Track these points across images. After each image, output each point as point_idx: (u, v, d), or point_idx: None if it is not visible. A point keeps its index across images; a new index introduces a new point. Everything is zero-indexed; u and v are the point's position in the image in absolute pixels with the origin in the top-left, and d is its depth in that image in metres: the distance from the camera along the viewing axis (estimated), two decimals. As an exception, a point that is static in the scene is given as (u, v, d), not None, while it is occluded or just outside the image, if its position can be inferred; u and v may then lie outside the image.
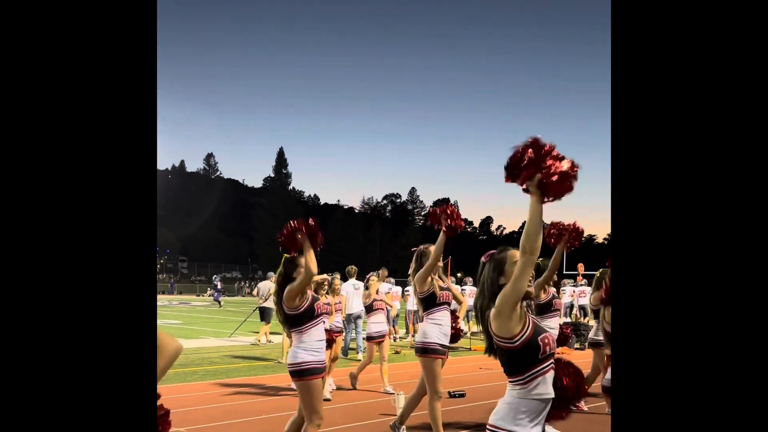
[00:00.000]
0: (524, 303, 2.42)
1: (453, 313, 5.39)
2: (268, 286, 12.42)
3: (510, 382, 2.41)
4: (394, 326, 13.43)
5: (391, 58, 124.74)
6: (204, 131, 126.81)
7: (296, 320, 4.38)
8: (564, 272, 22.34)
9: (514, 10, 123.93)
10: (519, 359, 2.37)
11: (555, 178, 2.16)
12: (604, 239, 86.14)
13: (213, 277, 38.19)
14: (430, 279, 5.07)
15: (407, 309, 13.93)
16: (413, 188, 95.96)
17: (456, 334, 5.54)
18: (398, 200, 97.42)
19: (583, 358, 9.14)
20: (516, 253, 2.43)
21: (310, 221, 4.33)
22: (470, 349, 12.61)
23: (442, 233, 4.89)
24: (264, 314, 12.85)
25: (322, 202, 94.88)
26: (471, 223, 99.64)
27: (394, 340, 13.27)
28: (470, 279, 15.90)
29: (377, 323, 8.35)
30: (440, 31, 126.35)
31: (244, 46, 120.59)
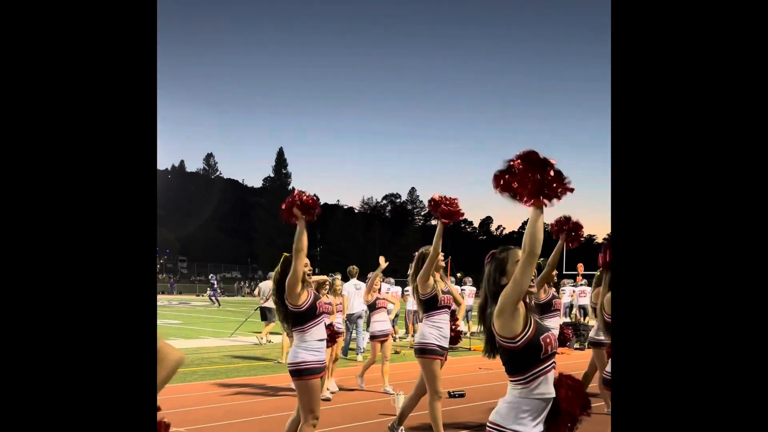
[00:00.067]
0: (527, 302, 2.42)
1: (452, 314, 5.39)
2: (269, 285, 12.40)
3: (511, 381, 2.41)
4: (393, 326, 13.43)
5: (391, 59, 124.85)
6: (204, 131, 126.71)
7: (298, 318, 4.37)
8: (564, 272, 22.35)
9: (514, 10, 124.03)
10: (521, 359, 2.37)
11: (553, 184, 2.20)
12: (604, 239, 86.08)
13: (209, 276, 38.02)
14: (432, 281, 5.05)
15: (407, 309, 13.93)
16: (413, 188, 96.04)
17: (456, 337, 5.54)
18: (398, 200, 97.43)
19: (583, 358, 9.14)
20: (518, 253, 2.43)
21: (305, 197, 4.31)
22: (470, 349, 12.61)
23: (439, 223, 4.89)
24: (265, 314, 12.85)
25: (321, 202, 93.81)
26: (471, 223, 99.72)
27: (394, 340, 13.28)
28: (470, 279, 15.90)
29: (381, 321, 8.32)
30: (440, 31, 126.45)
31: (244, 46, 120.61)
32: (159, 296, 35.44)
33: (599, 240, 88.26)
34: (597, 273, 6.65)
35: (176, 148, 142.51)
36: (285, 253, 4.48)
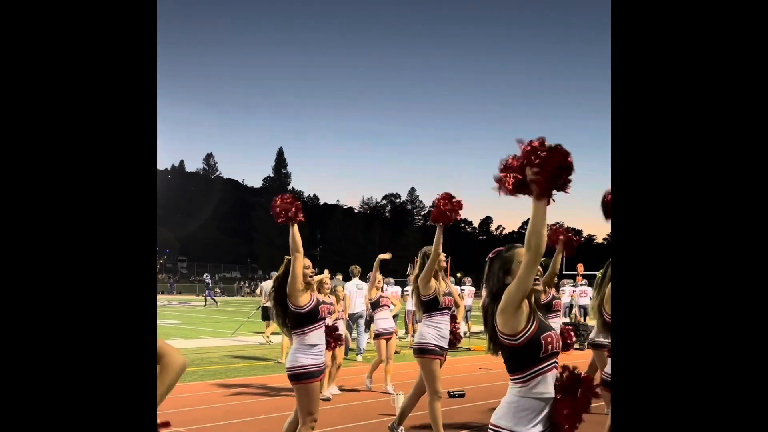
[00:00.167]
0: (531, 300, 2.41)
1: (452, 317, 5.39)
2: (271, 285, 12.42)
3: (511, 380, 2.41)
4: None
5: (390, 59, 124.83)
6: (204, 131, 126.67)
7: (300, 320, 4.36)
8: (563, 272, 22.33)
9: (514, 10, 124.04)
10: (520, 356, 2.36)
11: (547, 165, 2.11)
12: (604, 239, 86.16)
13: (205, 276, 37.75)
14: (434, 282, 5.05)
15: (406, 309, 13.93)
16: (413, 188, 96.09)
17: (454, 340, 5.54)
18: (398, 200, 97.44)
19: (583, 359, 9.14)
20: (523, 251, 2.43)
21: (278, 203, 4.39)
22: (470, 349, 12.61)
23: (438, 226, 4.89)
24: (266, 314, 12.84)
25: (321, 202, 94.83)
26: (471, 223, 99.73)
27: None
28: (469, 279, 15.90)
29: (384, 319, 8.29)
30: (440, 31, 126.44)
31: (244, 46, 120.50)
32: (159, 296, 35.45)
33: (599, 240, 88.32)
34: (598, 274, 6.65)
35: (176, 148, 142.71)
36: (287, 256, 4.48)
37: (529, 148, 2.15)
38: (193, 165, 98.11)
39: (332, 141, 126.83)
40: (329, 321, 5.31)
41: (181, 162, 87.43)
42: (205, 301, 30.37)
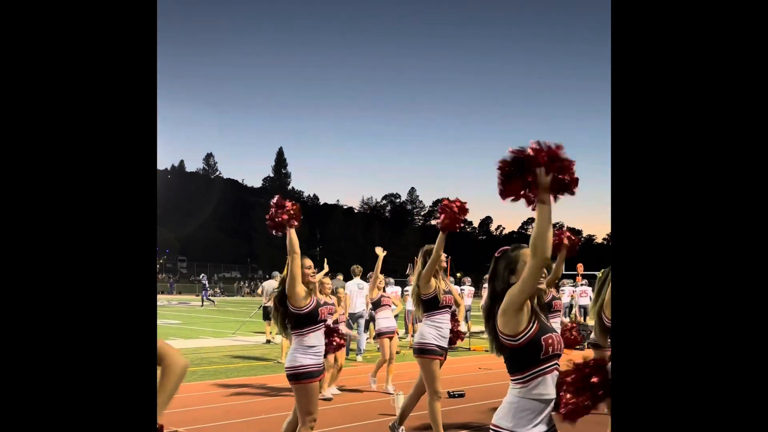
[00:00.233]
0: (533, 301, 2.40)
1: (453, 315, 5.39)
2: (272, 285, 12.42)
3: (511, 380, 2.40)
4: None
5: (391, 59, 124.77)
6: (204, 131, 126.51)
7: (299, 321, 4.36)
8: (563, 272, 22.31)
9: (513, 10, 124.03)
10: (520, 357, 2.36)
11: (566, 171, 2.11)
12: (604, 239, 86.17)
13: (201, 276, 37.52)
14: (434, 281, 5.06)
15: (406, 309, 13.93)
16: (413, 188, 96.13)
17: (455, 337, 5.53)
18: (398, 200, 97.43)
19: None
20: (529, 253, 2.42)
21: (271, 212, 4.37)
22: (469, 349, 12.61)
23: (441, 233, 4.89)
24: (268, 313, 12.85)
25: (321, 202, 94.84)
26: (470, 223, 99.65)
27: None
28: (468, 279, 15.89)
29: (386, 318, 8.28)
30: (439, 31, 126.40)
31: (244, 46, 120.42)
32: (159, 296, 35.45)
33: (599, 240, 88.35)
34: (599, 274, 6.64)
35: (176, 148, 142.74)
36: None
37: (546, 151, 2.13)
38: (193, 165, 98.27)
39: (332, 141, 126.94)
40: (330, 321, 5.29)
41: (181, 162, 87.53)
42: (202, 301, 30.37)
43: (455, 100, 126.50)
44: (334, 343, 5.23)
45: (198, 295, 39.40)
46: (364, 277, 11.01)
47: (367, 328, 11.84)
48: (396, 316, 8.77)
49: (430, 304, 5.09)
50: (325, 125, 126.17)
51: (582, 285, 16.82)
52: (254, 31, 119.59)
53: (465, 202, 4.87)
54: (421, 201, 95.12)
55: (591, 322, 13.10)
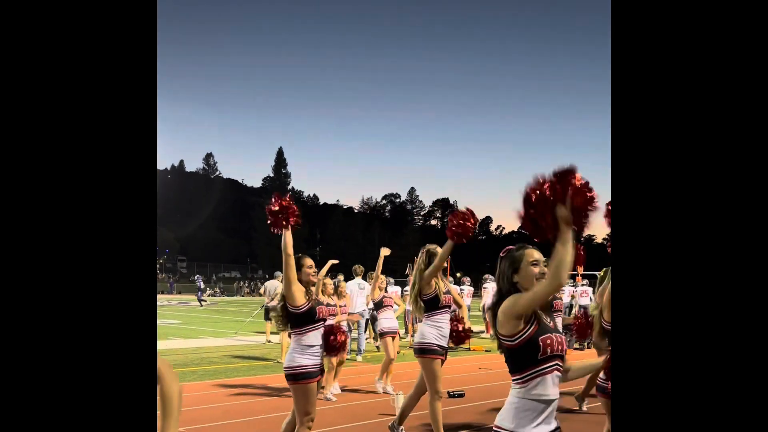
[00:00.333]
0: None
1: (456, 315, 5.39)
2: (275, 285, 12.41)
3: (512, 380, 2.41)
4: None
5: (391, 59, 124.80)
6: (204, 131, 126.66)
7: (297, 320, 4.37)
8: (563, 272, 22.26)
9: (513, 10, 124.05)
10: (518, 357, 2.36)
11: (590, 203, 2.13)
12: (604, 239, 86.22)
13: (196, 277, 37.40)
14: (434, 281, 5.08)
15: (406, 309, 13.94)
16: (412, 188, 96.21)
17: (465, 336, 5.50)
18: (397, 200, 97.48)
19: (583, 359, 9.14)
20: (534, 253, 2.43)
21: (272, 209, 4.32)
22: (470, 349, 12.60)
23: (450, 241, 4.93)
24: (268, 313, 12.85)
25: (321, 202, 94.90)
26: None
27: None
28: (468, 279, 15.89)
29: (389, 318, 8.27)
30: (440, 31, 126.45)
31: (244, 46, 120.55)
32: (159, 296, 35.43)
33: (599, 240, 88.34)
34: (600, 274, 6.64)
35: (176, 148, 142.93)
36: (299, 254, 4.49)
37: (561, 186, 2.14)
38: (193, 165, 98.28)
39: (332, 141, 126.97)
40: (333, 322, 5.27)
41: (181, 162, 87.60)
42: (200, 302, 30.39)
43: (455, 100, 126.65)
44: (336, 344, 5.18)
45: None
46: (365, 278, 11.01)
47: (366, 328, 11.83)
48: (397, 317, 8.76)
49: (430, 304, 5.10)
50: (325, 125, 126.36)
51: (582, 285, 16.82)
52: (254, 31, 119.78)
53: (478, 220, 4.96)
54: (421, 201, 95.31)
55: (591, 322, 13.07)
